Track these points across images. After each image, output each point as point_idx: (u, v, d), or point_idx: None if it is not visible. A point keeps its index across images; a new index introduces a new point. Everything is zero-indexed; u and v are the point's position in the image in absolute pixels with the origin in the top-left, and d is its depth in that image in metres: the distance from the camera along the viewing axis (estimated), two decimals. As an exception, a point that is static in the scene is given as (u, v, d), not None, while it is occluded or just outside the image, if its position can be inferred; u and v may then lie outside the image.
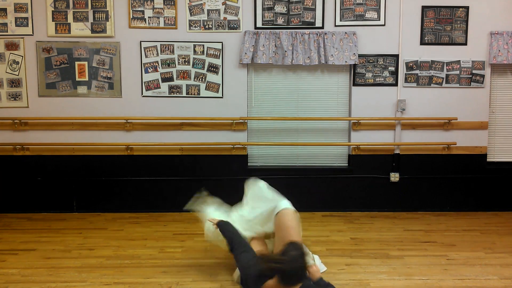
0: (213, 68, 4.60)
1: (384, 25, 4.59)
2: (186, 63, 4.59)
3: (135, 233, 3.95)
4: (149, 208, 4.69)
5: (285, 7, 4.55)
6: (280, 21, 4.56)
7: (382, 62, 4.62)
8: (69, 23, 4.52)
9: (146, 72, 4.59)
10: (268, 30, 4.51)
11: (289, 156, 4.80)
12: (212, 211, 3.14)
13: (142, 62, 4.58)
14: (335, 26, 4.57)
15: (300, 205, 4.56)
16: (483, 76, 4.62)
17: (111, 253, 3.41)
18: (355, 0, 4.55)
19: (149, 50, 4.56)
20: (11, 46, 4.53)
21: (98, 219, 4.43)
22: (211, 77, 4.61)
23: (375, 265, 3.16)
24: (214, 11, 4.55)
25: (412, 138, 4.69)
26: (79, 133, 4.61)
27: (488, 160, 4.77)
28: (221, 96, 4.63)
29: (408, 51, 4.62)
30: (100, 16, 4.51)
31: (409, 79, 4.64)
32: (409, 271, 3.03)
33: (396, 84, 4.65)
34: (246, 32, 4.49)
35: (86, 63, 4.56)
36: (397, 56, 4.61)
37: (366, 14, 4.57)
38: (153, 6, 4.53)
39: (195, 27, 4.56)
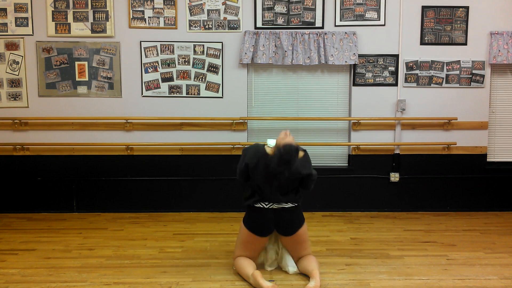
0: (213, 68, 4.60)
1: (384, 25, 4.59)
2: (186, 63, 4.59)
3: (135, 233, 3.95)
4: (149, 208, 4.69)
5: (285, 7, 4.55)
6: (280, 21, 4.56)
7: (382, 62, 4.62)
8: (69, 23, 4.52)
9: (146, 72, 4.59)
10: (268, 30, 4.51)
11: (289, 156, 4.79)
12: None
13: (142, 62, 4.58)
14: (335, 26, 4.57)
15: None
16: (483, 76, 4.63)
17: (111, 253, 3.41)
18: (355, 0, 4.55)
19: (149, 50, 4.56)
20: (11, 46, 4.53)
21: (98, 219, 4.43)
22: (211, 77, 4.61)
23: (375, 265, 3.15)
24: (214, 11, 4.55)
25: (412, 138, 4.69)
26: (79, 133, 4.61)
27: (488, 160, 4.77)
28: (221, 96, 4.63)
29: (408, 51, 4.62)
30: (100, 16, 4.51)
31: (409, 79, 4.64)
32: (409, 271, 3.03)
33: (396, 84, 4.65)
34: (246, 32, 4.49)
35: (86, 63, 4.56)
36: (397, 56, 4.61)
37: (366, 14, 4.57)
38: (153, 6, 4.53)
39: (195, 27, 4.56)
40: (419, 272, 3.01)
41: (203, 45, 4.57)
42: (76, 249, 3.52)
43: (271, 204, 2.89)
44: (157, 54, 4.57)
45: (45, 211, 4.66)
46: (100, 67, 4.57)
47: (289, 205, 2.91)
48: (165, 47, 4.56)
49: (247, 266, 2.86)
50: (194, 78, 4.61)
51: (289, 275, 2.95)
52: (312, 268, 2.82)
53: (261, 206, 2.90)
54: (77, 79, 4.57)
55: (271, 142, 2.95)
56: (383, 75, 4.63)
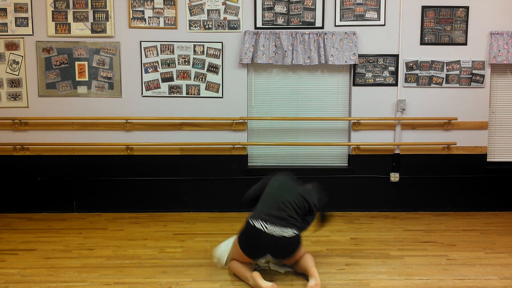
0: (213, 68, 4.60)
1: (384, 25, 4.59)
2: (186, 63, 4.59)
3: (135, 233, 3.95)
4: (149, 208, 4.70)
5: (285, 7, 4.55)
6: (280, 21, 4.56)
7: (382, 62, 4.62)
8: (69, 23, 4.52)
9: (146, 72, 4.59)
10: (268, 30, 4.51)
11: (289, 156, 4.80)
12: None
13: (142, 62, 4.58)
14: (335, 26, 4.57)
15: (300, 205, 4.58)
16: (483, 76, 4.62)
17: (111, 253, 3.41)
18: (355, 0, 4.55)
19: (149, 50, 4.56)
20: (11, 46, 4.53)
21: (98, 219, 4.43)
22: (211, 77, 4.61)
23: (375, 265, 3.16)
24: (214, 11, 4.55)
25: (412, 138, 4.69)
26: (79, 133, 4.61)
27: (488, 160, 4.77)
28: (221, 96, 4.63)
29: (408, 51, 4.62)
30: (100, 16, 4.51)
31: (409, 79, 4.64)
32: (409, 271, 3.03)
33: (396, 84, 4.65)
34: (246, 32, 4.49)
35: (86, 63, 4.56)
36: (397, 56, 4.61)
37: (366, 14, 4.57)
38: (153, 6, 4.53)
39: (195, 27, 4.56)
40: (419, 272, 3.01)
41: (203, 45, 4.57)
42: (76, 249, 3.52)
43: (273, 228, 2.72)
44: (157, 54, 4.57)
45: (45, 211, 4.66)
46: (100, 67, 4.57)
47: (291, 233, 2.75)
48: (165, 47, 4.56)
49: (245, 268, 2.85)
50: (194, 78, 4.61)
51: (289, 275, 2.95)
52: (310, 266, 2.80)
53: (262, 228, 2.72)
54: (77, 79, 4.57)
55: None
56: (383, 75, 4.63)
